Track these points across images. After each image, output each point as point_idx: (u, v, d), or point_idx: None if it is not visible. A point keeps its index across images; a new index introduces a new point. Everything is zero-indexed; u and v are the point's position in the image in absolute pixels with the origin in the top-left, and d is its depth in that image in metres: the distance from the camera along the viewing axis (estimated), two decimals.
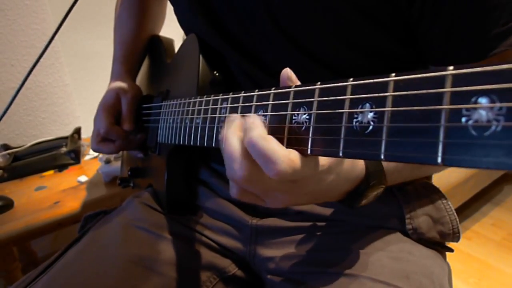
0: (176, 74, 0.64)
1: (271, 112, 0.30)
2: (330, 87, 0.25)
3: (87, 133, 1.19)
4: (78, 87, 1.36)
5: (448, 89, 0.18)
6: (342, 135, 0.23)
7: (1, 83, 1.13)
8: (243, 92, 0.34)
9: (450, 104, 0.18)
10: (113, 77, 0.71)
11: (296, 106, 0.27)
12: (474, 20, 0.37)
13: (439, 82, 0.18)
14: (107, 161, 0.97)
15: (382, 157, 0.20)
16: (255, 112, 0.32)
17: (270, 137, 0.27)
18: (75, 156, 1.10)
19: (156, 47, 0.77)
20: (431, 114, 0.18)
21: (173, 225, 0.57)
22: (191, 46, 0.56)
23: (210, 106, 0.39)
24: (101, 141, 0.67)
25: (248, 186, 0.30)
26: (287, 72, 0.31)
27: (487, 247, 1.56)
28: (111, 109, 0.66)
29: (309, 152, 0.27)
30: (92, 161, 1.11)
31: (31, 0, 1.13)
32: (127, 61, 0.73)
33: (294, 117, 0.27)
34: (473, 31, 0.38)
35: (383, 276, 0.42)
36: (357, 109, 0.22)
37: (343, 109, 0.23)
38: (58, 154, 1.09)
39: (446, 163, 0.18)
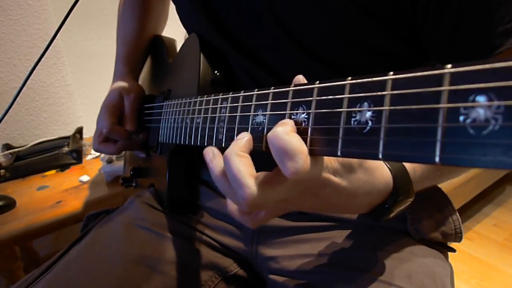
0: (177, 73, 0.64)
1: (270, 111, 0.30)
2: (328, 86, 0.25)
3: (89, 133, 1.19)
4: (80, 87, 1.37)
5: (446, 87, 0.18)
6: (340, 135, 0.23)
7: (3, 83, 1.14)
8: (242, 91, 0.34)
9: (448, 103, 0.17)
10: (116, 77, 0.72)
11: (295, 106, 0.27)
12: (479, 18, 0.37)
13: (437, 80, 0.18)
14: (109, 161, 0.97)
15: (380, 156, 0.20)
16: (254, 111, 0.32)
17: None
18: (77, 156, 1.10)
19: (158, 47, 0.77)
20: (429, 113, 0.18)
21: (175, 224, 0.57)
22: (192, 46, 0.56)
23: (210, 106, 0.39)
24: (103, 141, 0.67)
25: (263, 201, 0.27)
26: (300, 79, 0.29)
27: (489, 247, 1.55)
28: (114, 109, 0.66)
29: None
30: (94, 161, 1.11)
31: (33, 0, 1.13)
32: (129, 61, 0.73)
33: (293, 116, 0.27)
34: (478, 29, 0.37)
35: (385, 275, 0.42)
36: (355, 108, 0.22)
37: (341, 108, 0.23)
38: (60, 154, 1.09)
39: (444, 163, 0.18)
